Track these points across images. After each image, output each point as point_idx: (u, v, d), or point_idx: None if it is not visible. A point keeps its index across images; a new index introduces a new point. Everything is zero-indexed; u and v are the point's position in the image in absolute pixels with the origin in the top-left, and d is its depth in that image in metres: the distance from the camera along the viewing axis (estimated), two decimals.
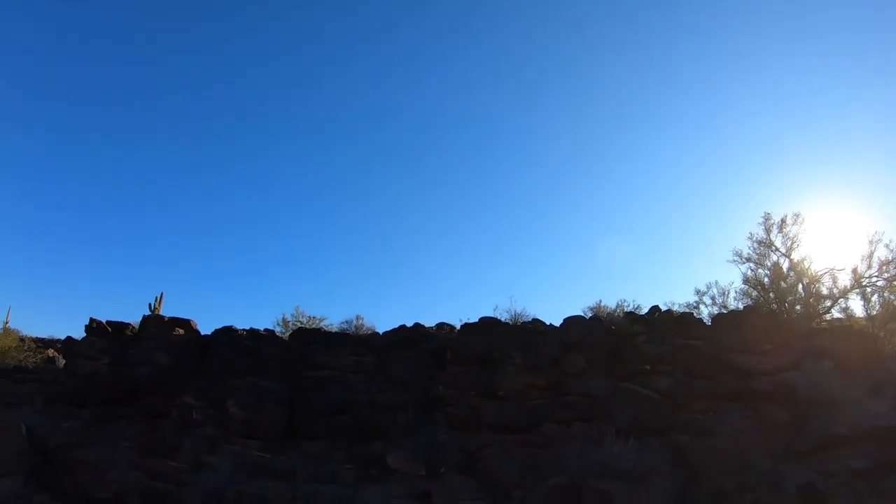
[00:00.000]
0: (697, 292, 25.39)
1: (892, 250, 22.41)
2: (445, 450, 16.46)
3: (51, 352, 25.47)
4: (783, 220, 24.54)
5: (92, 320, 22.06)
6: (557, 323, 20.56)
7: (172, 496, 14.91)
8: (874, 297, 22.86)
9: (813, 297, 23.43)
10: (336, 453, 17.32)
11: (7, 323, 26.56)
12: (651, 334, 19.99)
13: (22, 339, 25.54)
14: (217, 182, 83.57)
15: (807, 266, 23.85)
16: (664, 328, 20.26)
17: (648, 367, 18.73)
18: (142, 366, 19.76)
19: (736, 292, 24.79)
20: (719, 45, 73.53)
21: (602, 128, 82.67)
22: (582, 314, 21.25)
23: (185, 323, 21.79)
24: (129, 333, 21.96)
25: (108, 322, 22.26)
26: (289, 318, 25.47)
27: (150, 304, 23.21)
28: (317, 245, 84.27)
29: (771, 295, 23.87)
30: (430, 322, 22.41)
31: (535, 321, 20.56)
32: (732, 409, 17.13)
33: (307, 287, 73.48)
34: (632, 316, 21.85)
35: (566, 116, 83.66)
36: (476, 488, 15.28)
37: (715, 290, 25.16)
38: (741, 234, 38.27)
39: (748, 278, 24.66)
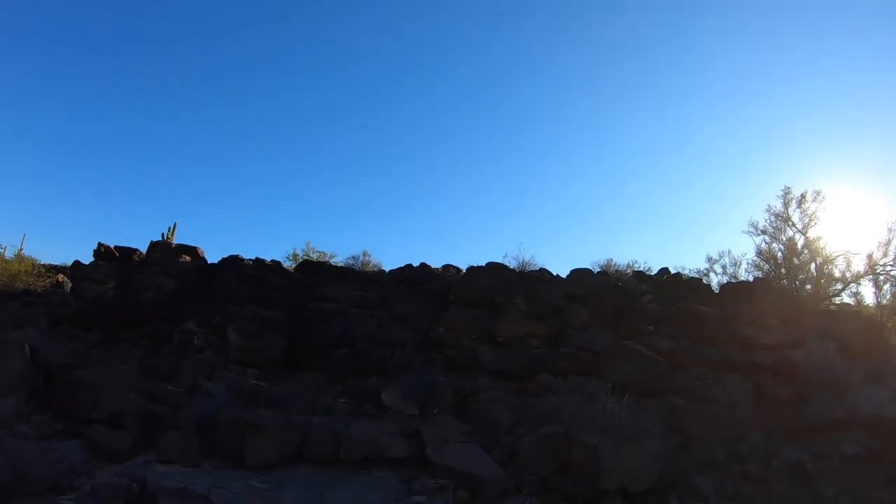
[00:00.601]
0: (709, 259, 25.83)
1: None
2: (440, 391, 16.44)
3: (60, 276, 25.40)
4: (803, 196, 24.54)
5: (100, 245, 22.01)
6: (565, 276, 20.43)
7: (167, 418, 14.87)
8: (886, 286, 23.13)
9: (825, 277, 23.63)
10: (332, 387, 17.38)
11: (21, 249, 26.57)
12: (658, 295, 20.03)
13: (33, 266, 25.52)
14: (237, 117, 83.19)
15: (822, 245, 23.95)
16: (672, 291, 20.36)
17: (652, 328, 18.68)
18: (147, 290, 19.74)
19: (747, 264, 25.15)
20: (748, 14, 71.73)
21: (621, 86, 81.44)
22: (590, 268, 21.09)
23: (192, 250, 21.69)
24: (137, 259, 21.93)
25: (115, 247, 22.22)
26: (299, 252, 25.50)
27: (163, 234, 23.11)
28: (332, 184, 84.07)
29: (783, 270, 23.94)
30: (437, 264, 22.36)
31: (542, 270, 20.45)
32: (732, 380, 17.22)
33: (321, 225, 73.53)
34: (640, 275, 21.86)
35: (582, 74, 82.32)
36: (467, 431, 15.24)
37: (727, 260, 25.50)
38: (759, 206, 37.75)
39: (762, 251, 24.84)
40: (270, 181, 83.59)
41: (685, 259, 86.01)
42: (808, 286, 23.77)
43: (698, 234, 71.20)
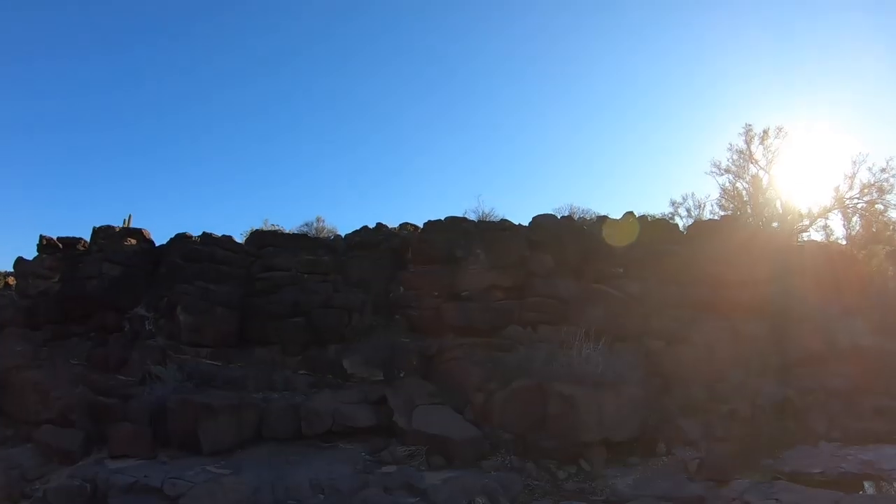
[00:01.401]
0: (672, 203, 25.73)
1: (874, 174, 22.70)
2: (404, 353, 15.57)
3: (10, 279, 24.17)
4: (765, 132, 24.49)
5: (42, 237, 20.64)
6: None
7: (117, 410, 13.70)
8: (855, 218, 23.41)
9: (791, 213, 23.68)
10: (289, 360, 16.33)
11: None
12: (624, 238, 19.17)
13: None
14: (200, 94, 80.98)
15: (786, 181, 24.20)
16: (639, 233, 19.48)
17: (621, 270, 17.95)
18: (91, 279, 18.42)
19: (712, 205, 25.08)
20: None
21: (577, 35, 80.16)
22: (553, 214, 20.14)
23: (137, 233, 20.44)
24: (81, 248, 20.68)
25: (58, 238, 20.85)
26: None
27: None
28: (287, 155, 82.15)
29: (749, 209, 24.10)
30: (395, 224, 21.31)
31: (503, 220, 19.53)
32: (706, 319, 16.65)
33: (280, 202, 71.77)
34: (604, 220, 21.11)
35: (544, 25, 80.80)
36: (435, 392, 14.33)
37: (691, 202, 25.40)
38: (720, 146, 37.39)
39: (726, 190, 24.93)
40: (227, 161, 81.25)
41: (648, 205, 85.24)
42: (775, 223, 23.64)
43: (659, 179, 70.42)
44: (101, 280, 18.25)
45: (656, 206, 45.29)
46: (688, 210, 25.25)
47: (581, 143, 79.76)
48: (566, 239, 18.49)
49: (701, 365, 15.10)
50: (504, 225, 18.96)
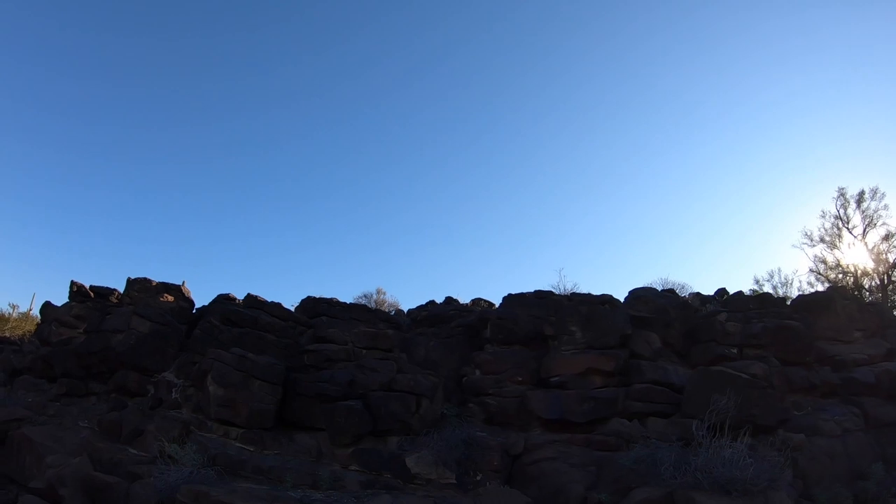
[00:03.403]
0: (756, 281, 23.39)
1: None
2: (482, 451, 12.54)
3: None
4: (861, 195, 22.34)
5: (73, 283, 18.48)
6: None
7: (118, 492, 10.73)
8: None
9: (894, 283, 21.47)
10: (338, 451, 13.39)
11: (31, 310, 25.16)
12: (731, 314, 16.42)
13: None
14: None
15: (887, 246, 21.81)
16: (744, 308, 16.93)
17: (735, 351, 15.42)
18: (118, 333, 15.73)
19: (800, 281, 23.05)
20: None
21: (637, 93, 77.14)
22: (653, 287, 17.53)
23: (176, 289, 18.13)
24: (114, 300, 18.34)
25: (91, 287, 18.62)
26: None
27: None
28: (344, 228, 79.34)
29: (850, 280, 21.76)
30: (464, 301, 18.83)
31: (602, 295, 16.60)
32: (832, 404, 14.35)
33: (337, 274, 68.68)
34: (701, 296, 18.89)
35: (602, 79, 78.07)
36: None
37: (777, 279, 23.06)
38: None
39: (823, 259, 22.69)
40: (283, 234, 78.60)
41: (727, 281, 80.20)
42: (869, 295, 21.26)
43: (734, 256, 65.23)
44: (127, 336, 16.01)
45: (736, 285, 41.76)
46: (774, 287, 22.87)
47: (655, 216, 75.04)
48: (671, 315, 15.87)
49: (836, 459, 12.65)
50: (603, 298, 15.90)
